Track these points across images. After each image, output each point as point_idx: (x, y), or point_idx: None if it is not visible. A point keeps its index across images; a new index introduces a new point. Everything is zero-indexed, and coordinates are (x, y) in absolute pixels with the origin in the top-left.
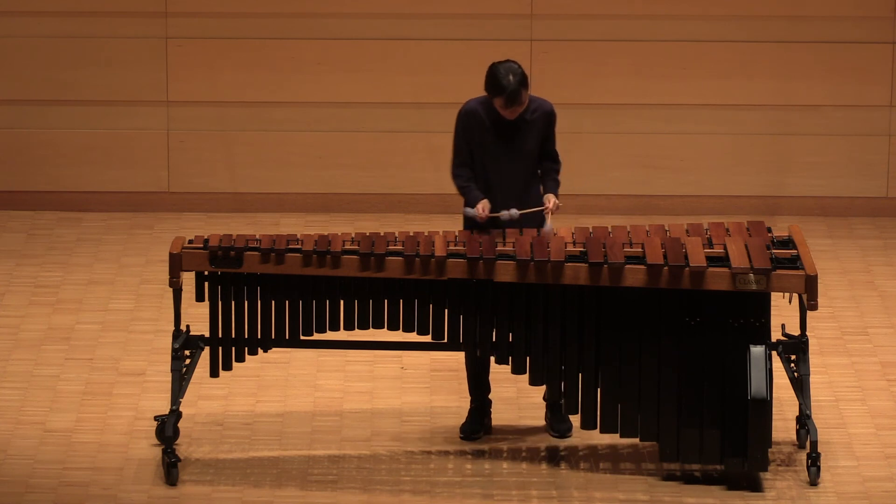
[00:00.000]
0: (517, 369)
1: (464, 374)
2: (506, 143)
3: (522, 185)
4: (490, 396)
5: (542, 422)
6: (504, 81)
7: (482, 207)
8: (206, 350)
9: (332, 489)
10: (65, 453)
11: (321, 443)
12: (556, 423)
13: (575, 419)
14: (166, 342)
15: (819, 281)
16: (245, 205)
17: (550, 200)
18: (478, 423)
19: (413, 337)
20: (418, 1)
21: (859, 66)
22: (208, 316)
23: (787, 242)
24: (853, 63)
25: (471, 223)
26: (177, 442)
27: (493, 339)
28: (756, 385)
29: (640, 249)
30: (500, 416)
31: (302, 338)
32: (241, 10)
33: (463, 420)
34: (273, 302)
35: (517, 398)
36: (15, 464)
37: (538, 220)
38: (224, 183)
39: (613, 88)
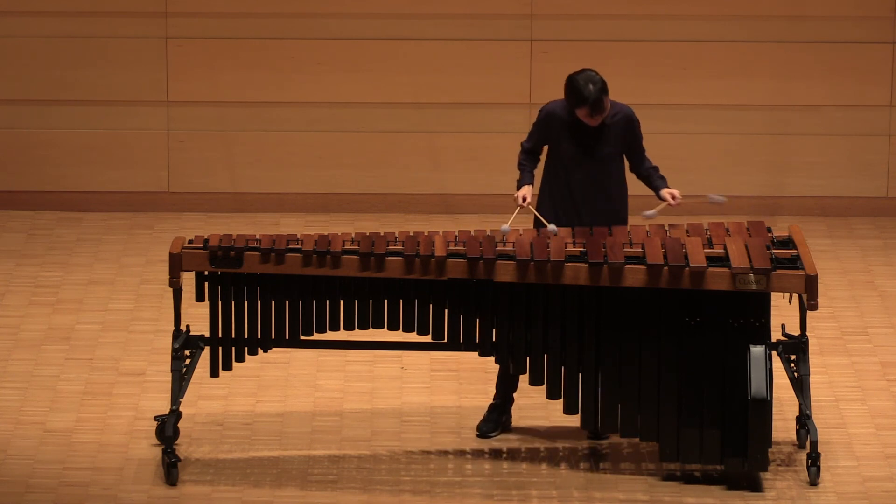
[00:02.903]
0: (517, 369)
1: (464, 374)
2: (585, 147)
3: (603, 189)
4: (514, 398)
5: (541, 422)
6: (585, 92)
7: (522, 195)
8: (206, 350)
9: (332, 489)
10: (65, 453)
11: (321, 443)
12: None
13: (575, 419)
14: (166, 342)
15: (819, 281)
16: (245, 205)
17: (669, 194)
18: (495, 421)
19: (413, 337)
20: (418, 1)
21: (859, 66)
22: (208, 316)
23: (787, 242)
24: (853, 63)
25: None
26: (177, 442)
27: (493, 339)
28: (756, 385)
29: (640, 249)
30: None
31: (302, 338)
32: (241, 10)
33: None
34: (273, 302)
35: (517, 398)
36: (15, 464)
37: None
38: (224, 183)
39: (613, 88)
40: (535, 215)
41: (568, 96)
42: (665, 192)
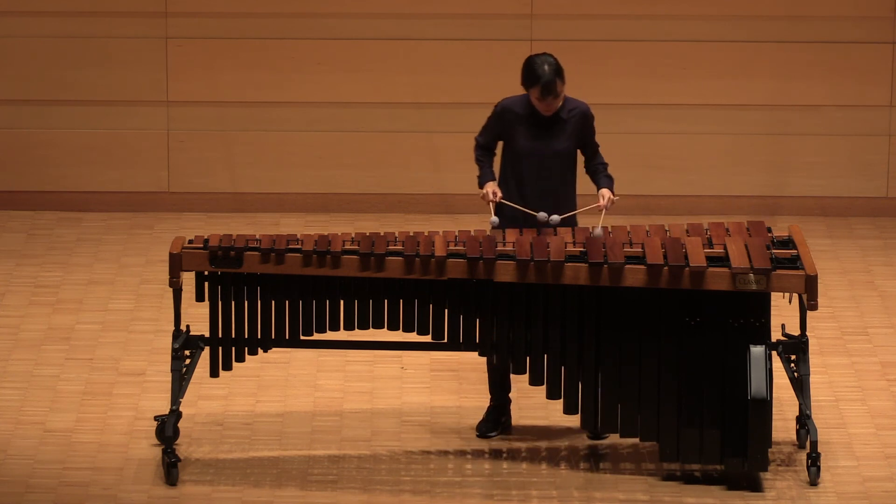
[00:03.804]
0: (517, 369)
1: (464, 374)
2: (540, 140)
3: (557, 183)
4: (511, 396)
5: (541, 422)
6: (539, 71)
7: (492, 191)
8: (206, 350)
9: (332, 489)
10: (65, 453)
11: (321, 443)
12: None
13: (575, 419)
14: (166, 342)
15: (819, 281)
16: (245, 205)
17: (605, 196)
18: (494, 421)
19: (413, 337)
20: (418, 1)
21: (859, 66)
22: (208, 316)
23: (787, 242)
24: (853, 63)
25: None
26: (177, 442)
27: (493, 339)
28: (756, 385)
29: (640, 249)
30: None
31: (302, 338)
32: (241, 10)
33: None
34: (273, 302)
35: (517, 398)
36: (15, 464)
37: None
38: (224, 183)
39: (613, 88)
40: (518, 208)
41: (523, 76)
42: (601, 192)
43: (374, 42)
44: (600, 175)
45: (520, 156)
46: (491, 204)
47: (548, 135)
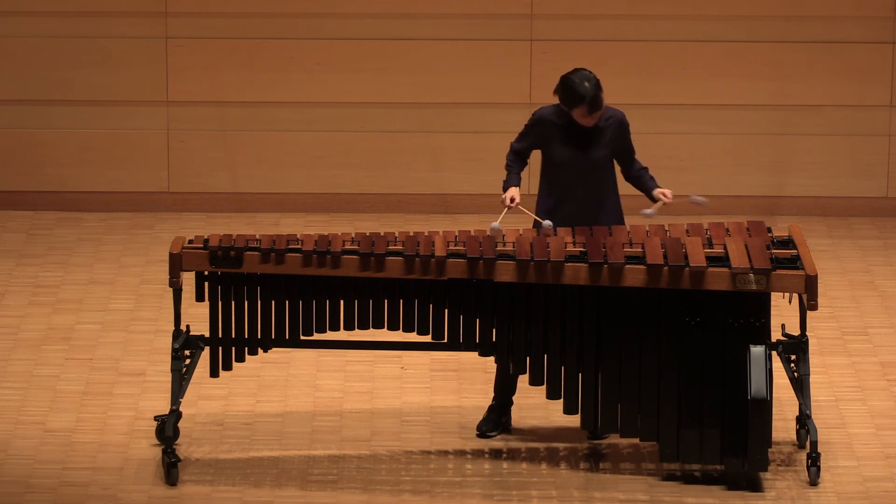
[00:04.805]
0: (517, 369)
1: (464, 373)
2: (577, 149)
3: (596, 193)
4: (514, 398)
5: (541, 422)
6: (582, 90)
7: (510, 196)
8: (206, 350)
9: (332, 489)
10: (65, 453)
11: (321, 443)
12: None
13: (575, 419)
14: (166, 342)
15: (819, 281)
16: (245, 205)
17: (666, 194)
18: (495, 421)
19: (413, 337)
20: (418, 1)
21: (859, 66)
22: (208, 316)
23: (787, 242)
24: (853, 63)
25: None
26: (177, 442)
27: (493, 339)
28: (756, 385)
29: (640, 249)
30: None
31: (302, 338)
32: (241, 10)
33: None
34: (273, 302)
35: (517, 398)
36: (15, 464)
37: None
38: (224, 183)
39: (613, 88)
40: (530, 215)
41: (564, 97)
42: (658, 192)
43: (374, 42)
44: (646, 178)
45: (558, 166)
46: (507, 209)
47: (585, 144)
